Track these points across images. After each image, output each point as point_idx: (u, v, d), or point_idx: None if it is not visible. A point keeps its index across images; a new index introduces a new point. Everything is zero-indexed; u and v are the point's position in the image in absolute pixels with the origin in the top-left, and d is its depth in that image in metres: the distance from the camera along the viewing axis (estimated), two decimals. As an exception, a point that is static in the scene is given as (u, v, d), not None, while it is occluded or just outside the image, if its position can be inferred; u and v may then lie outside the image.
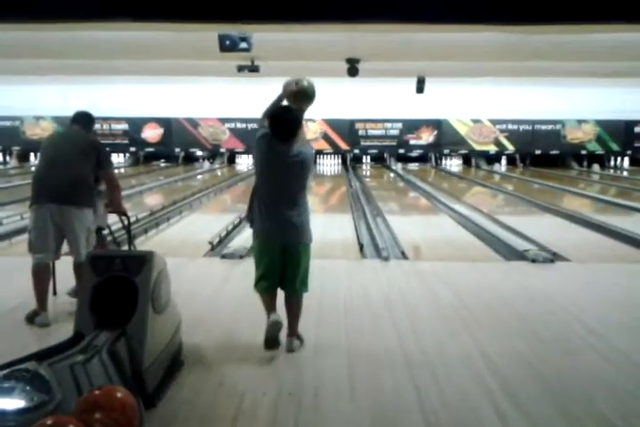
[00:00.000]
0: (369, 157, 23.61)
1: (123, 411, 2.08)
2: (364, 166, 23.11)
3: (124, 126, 22.76)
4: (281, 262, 3.76)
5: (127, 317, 2.96)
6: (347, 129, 22.59)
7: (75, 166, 4.36)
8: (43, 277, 4.37)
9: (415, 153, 23.42)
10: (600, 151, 23.10)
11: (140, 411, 2.22)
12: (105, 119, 21.96)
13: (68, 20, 6.29)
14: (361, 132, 22.92)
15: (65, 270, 4.58)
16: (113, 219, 5.35)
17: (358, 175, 19.63)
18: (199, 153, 23.54)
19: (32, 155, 21.71)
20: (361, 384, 3.27)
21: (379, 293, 5.15)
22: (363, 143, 22.98)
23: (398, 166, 22.39)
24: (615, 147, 23.05)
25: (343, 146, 22.58)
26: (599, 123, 22.74)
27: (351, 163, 22.73)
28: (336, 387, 3.23)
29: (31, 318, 4.27)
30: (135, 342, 2.89)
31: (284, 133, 3.72)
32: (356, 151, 23.11)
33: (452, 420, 2.88)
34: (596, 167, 22.75)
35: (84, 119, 4.69)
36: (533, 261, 6.40)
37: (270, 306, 3.75)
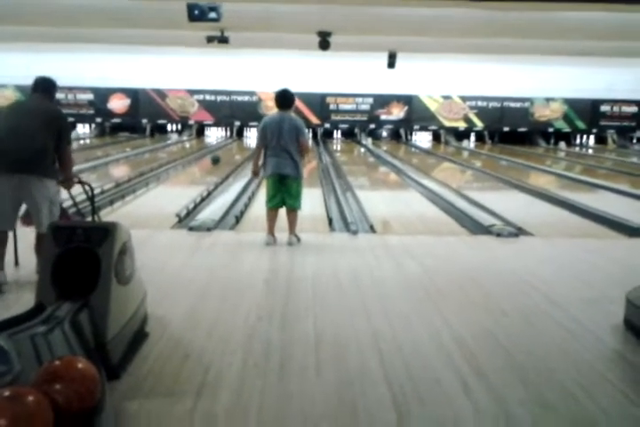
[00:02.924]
0: (339, 132, 23.56)
1: (83, 381, 2.05)
2: (334, 141, 23.05)
3: (90, 96, 22.28)
4: None
5: (90, 288, 2.91)
6: (318, 103, 22.45)
7: (37, 137, 4.23)
8: None
9: (385, 130, 23.47)
10: (567, 129, 23.41)
11: (101, 382, 2.19)
12: (70, 89, 21.47)
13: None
14: (332, 107, 22.81)
15: (28, 241, 4.49)
16: (77, 190, 5.25)
17: (329, 150, 19.58)
18: (169, 127, 23.25)
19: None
20: (327, 358, 3.28)
21: (347, 266, 5.16)
22: (333, 118, 22.90)
23: (369, 141, 22.39)
24: (581, 125, 23.38)
25: (314, 120, 22.47)
26: (567, 101, 22.97)
27: (322, 137, 22.64)
28: (303, 360, 3.23)
29: None
30: (98, 313, 2.84)
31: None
32: (327, 126, 23.02)
33: (417, 391, 2.91)
34: (562, 145, 23.07)
35: (45, 87, 4.53)
36: (498, 235, 6.49)
37: None
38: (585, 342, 3.59)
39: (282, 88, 6.06)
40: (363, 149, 20.69)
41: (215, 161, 13.46)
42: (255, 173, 6.22)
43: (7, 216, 4.28)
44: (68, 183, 4.61)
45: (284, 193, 5.84)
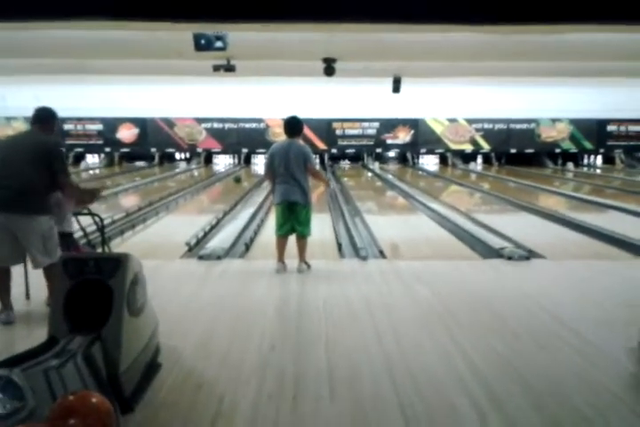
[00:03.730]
0: (346, 157, 23.65)
1: (97, 416, 2.04)
2: (341, 166, 23.13)
3: (99, 127, 22.51)
4: None
5: (102, 320, 2.92)
6: (324, 129, 22.60)
7: (25, 173, 4.13)
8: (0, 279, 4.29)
9: (392, 152, 23.56)
10: (574, 150, 23.41)
11: (115, 416, 2.19)
12: (79, 119, 21.72)
13: (40, 19, 6.18)
14: (338, 132, 22.96)
15: (38, 274, 4.50)
16: (87, 221, 5.29)
17: (336, 175, 19.64)
18: (178, 155, 23.48)
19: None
20: (341, 385, 3.26)
21: (357, 292, 5.15)
22: (340, 143, 23.02)
23: (376, 166, 22.46)
24: (588, 145, 23.37)
25: (321, 146, 22.58)
26: (572, 122, 23.02)
27: (329, 162, 22.75)
28: (316, 388, 3.21)
29: None
30: (111, 345, 2.84)
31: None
32: (334, 151, 23.13)
33: (431, 417, 2.89)
34: (570, 165, 23.05)
35: (41, 118, 4.46)
36: (509, 258, 6.46)
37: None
38: (600, 366, 3.55)
39: (290, 115, 6.11)
40: (370, 174, 20.74)
41: (237, 181, 14.48)
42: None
43: (4, 253, 4.23)
44: (84, 203, 4.59)
45: (294, 220, 5.86)
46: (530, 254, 6.63)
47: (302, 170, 5.79)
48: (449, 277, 5.75)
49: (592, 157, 24.11)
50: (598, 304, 4.83)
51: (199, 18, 6.14)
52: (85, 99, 20.69)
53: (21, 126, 21.19)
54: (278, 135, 21.31)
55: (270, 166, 5.88)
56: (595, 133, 23.22)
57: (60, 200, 4.51)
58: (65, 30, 9.25)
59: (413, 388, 3.21)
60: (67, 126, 21.61)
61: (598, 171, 22.51)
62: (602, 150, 23.66)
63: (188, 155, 23.61)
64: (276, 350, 3.77)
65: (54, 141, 4.54)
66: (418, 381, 3.30)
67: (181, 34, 9.66)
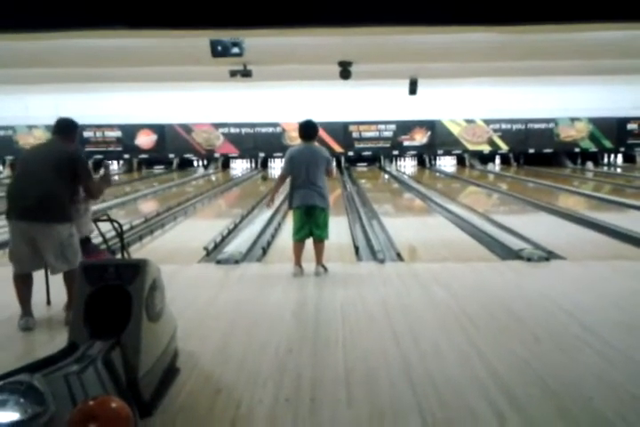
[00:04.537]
0: (363, 159, 23.63)
1: (117, 421, 2.07)
2: (358, 168, 23.14)
3: (118, 133, 22.74)
4: None
5: (122, 326, 2.95)
6: (341, 132, 22.62)
7: (45, 183, 4.25)
8: (21, 285, 4.38)
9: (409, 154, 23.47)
10: (593, 149, 23.19)
11: (135, 421, 2.21)
12: (98, 127, 21.96)
13: (59, 29, 6.27)
14: (355, 135, 22.96)
15: (59, 280, 4.56)
16: (107, 227, 5.35)
17: (353, 177, 19.64)
18: (195, 161, 23.66)
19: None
20: (358, 388, 3.26)
21: (375, 295, 5.15)
22: (357, 145, 23.03)
23: (393, 168, 22.42)
24: (608, 144, 23.13)
25: (337, 149, 22.59)
26: (592, 121, 22.80)
27: (345, 165, 22.75)
28: (333, 391, 3.22)
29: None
30: (130, 350, 2.87)
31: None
32: (351, 154, 23.15)
33: (450, 421, 2.88)
34: (589, 165, 22.83)
35: (61, 128, 4.55)
36: (529, 259, 6.41)
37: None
38: (624, 370, 3.50)
39: (305, 119, 6.13)
40: (387, 176, 20.71)
41: (264, 179, 15.65)
42: (269, 205, 6.46)
43: (22, 259, 4.33)
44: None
45: (312, 224, 5.87)
46: (549, 256, 6.57)
47: (322, 173, 5.82)
48: (467, 279, 5.73)
49: (612, 156, 23.86)
50: (619, 305, 4.78)
51: (216, 25, 6.19)
52: (104, 106, 20.95)
53: (42, 134, 21.52)
54: (294, 139, 21.33)
55: (289, 170, 5.90)
56: (614, 132, 22.97)
57: (79, 207, 4.57)
58: (83, 39, 9.38)
59: (432, 390, 3.20)
60: (86, 134, 21.86)
61: (618, 170, 22.27)
62: (622, 149, 23.41)
63: (205, 160, 23.76)
64: (293, 354, 3.77)
65: (77, 151, 4.65)
66: (436, 383, 3.29)
67: (198, 41, 9.75)
